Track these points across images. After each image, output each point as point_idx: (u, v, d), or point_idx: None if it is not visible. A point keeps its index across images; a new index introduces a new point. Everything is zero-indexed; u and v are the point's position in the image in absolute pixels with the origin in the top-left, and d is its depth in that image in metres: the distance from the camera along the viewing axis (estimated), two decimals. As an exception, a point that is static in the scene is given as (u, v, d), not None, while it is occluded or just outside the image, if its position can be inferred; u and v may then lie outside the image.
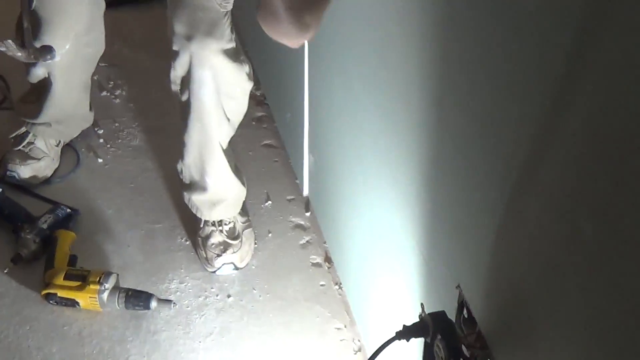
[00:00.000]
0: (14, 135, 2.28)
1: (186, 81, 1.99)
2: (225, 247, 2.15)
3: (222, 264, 2.15)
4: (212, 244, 2.15)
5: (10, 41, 1.94)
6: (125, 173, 2.33)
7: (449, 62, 1.17)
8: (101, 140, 2.42)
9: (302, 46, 1.76)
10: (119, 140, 2.43)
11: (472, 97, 1.09)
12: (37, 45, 2.01)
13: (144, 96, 2.55)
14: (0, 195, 2.13)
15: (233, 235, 2.19)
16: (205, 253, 2.15)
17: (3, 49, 1.95)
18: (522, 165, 0.99)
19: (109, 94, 2.56)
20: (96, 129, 2.43)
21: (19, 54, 1.96)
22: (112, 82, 2.59)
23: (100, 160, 2.36)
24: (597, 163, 0.82)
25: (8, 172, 2.24)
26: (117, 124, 2.45)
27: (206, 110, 2.02)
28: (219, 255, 2.15)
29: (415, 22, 1.32)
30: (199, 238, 2.18)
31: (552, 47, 0.86)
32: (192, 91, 1.99)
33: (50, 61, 2.08)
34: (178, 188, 2.22)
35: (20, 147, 2.27)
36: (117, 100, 2.55)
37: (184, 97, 2.02)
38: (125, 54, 2.73)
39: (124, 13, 2.73)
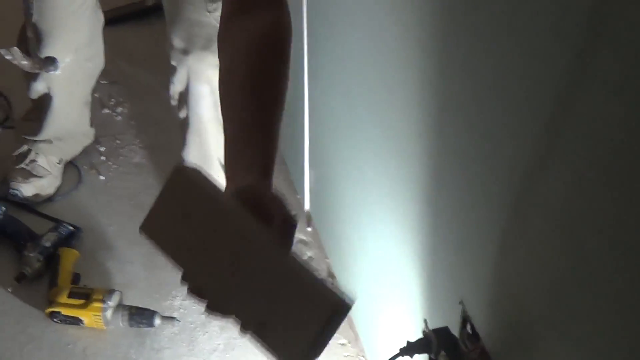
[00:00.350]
0: (16, 153, 2.28)
1: (184, 96, 2.01)
2: None
3: None
4: None
5: (16, 48, 1.94)
6: (126, 190, 2.33)
7: (449, 77, 1.17)
8: (103, 158, 2.42)
9: (302, 62, 1.82)
10: (121, 157, 2.43)
11: (472, 112, 1.09)
12: (40, 57, 2.02)
13: (145, 113, 2.57)
14: (3, 214, 2.13)
15: None
16: None
17: (9, 56, 1.96)
18: (523, 180, 0.98)
19: (110, 111, 2.57)
20: (98, 146, 2.44)
21: (24, 62, 1.95)
22: (113, 100, 2.59)
23: (102, 178, 2.37)
24: (599, 177, 0.81)
25: (11, 190, 2.24)
26: (118, 141, 2.46)
27: (204, 124, 2.03)
28: None
29: (415, 38, 1.32)
30: None
31: (553, 60, 0.86)
32: (190, 106, 2.00)
33: (51, 74, 2.07)
34: None
35: (22, 165, 2.27)
36: (119, 118, 2.56)
37: (183, 113, 2.04)
38: (126, 70, 2.72)
39: (124, 30, 2.73)
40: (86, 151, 2.41)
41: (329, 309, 0.86)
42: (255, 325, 0.90)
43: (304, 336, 0.85)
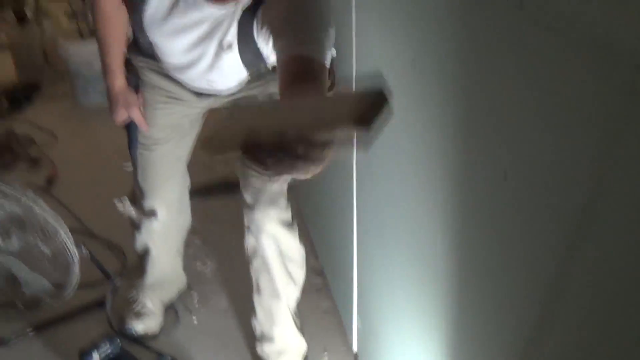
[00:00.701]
0: (129, 296, 2.43)
1: (255, 249, 2.11)
2: None
3: None
4: None
5: (126, 197, 2.16)
6: (214, 330, 2.43)
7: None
8: (196, 304, 2.56)
9: (352, 228, 2.01)
10: (210, 303, 2.56)
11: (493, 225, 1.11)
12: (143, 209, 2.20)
13: (230, 267, 2.68)
14: (120, 348, 2.19)
15: None
16: None
17: (120, 205, 2.14)
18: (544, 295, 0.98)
19: (202, 265, 2.72)
20: (192, 292, 2.59)
21: (131, 211, 2.15)
22: (204, 256, 2.75)
23: (194, 318, 2.50)
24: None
25: (127, 327, 2.37)
26: (207, 292, 2.60)
27: (274, 273, 2.12)
28: None
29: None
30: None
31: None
32: (262, 257, 2.10)
33: (151, 227, 2.22)
34: (254, 344, 2.32)
35: (135, 307, 2.41)
36: (208, 270, 2.71)
37: (256, 263, 2.14)
38: (215, 232, 2.89)
39: (213, 200, 2.88)
40: (182, 297, 2.55)
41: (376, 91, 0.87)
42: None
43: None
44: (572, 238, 0.86)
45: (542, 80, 0.89)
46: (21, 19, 4.31)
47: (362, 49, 1.72)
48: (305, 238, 2.57)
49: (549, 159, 0.90)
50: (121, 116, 2.06)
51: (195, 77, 1.87)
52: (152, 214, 2.21)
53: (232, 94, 1.95)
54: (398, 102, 0.93)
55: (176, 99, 2.02)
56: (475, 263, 1.22)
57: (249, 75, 1.84)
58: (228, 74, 1.82)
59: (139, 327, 2.41)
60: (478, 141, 1.13)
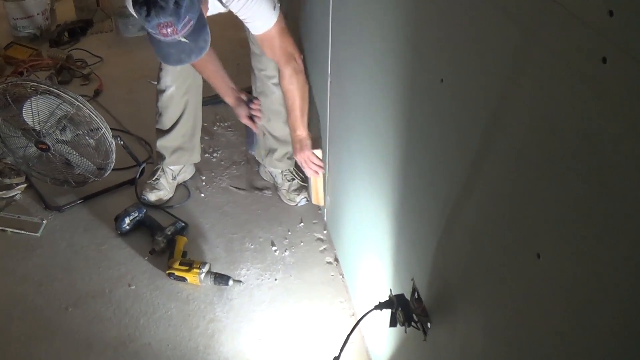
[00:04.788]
0: (152, 175, 2.46)
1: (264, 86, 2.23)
2: (301, 189, 2.44)
3: (302, 199, 2.43)
4: (294, 189, 2.42)
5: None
6: (217, 203, 2.47)
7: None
8: (203, 183, 2.57)
9: (325, 123, 1.98)
10: (214, 183, 2.57)
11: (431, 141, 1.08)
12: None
13: (229, 158, 2.69)
14: (145, 213, 2.31)
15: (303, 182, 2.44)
16: (289, 196, 2.43)
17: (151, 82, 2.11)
18: (453, 205, 0.99)
19: (209, 155, 2.71)
20: (201, 177, 2.59)
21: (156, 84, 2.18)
22: (211, 148, 2.74)
23: (202, 195, 2.52)
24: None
25: (142, 197, 2.44)
26: (212, 174, 2.61)
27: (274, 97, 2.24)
28: (298, 194, 2.42)
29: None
30: (284, 190, 2.43)
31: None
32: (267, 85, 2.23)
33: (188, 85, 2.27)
34: (251, 214, 2.38)
35: (150, 181, 2.46)
36: (214, 159, 2.70)
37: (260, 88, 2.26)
38: (219, 131, 2.85)
39: (221, 107, 2.77)
40: (193, 179, 2.56)
41: None
42: None
43: None
44: (486, 130, 0.87)
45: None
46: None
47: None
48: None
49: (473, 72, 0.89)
50: (242, 119, 2.23)
51: None
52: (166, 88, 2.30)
53: None
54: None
55: None
56: (415, 147, 1.19)
57: None
58: None
59: (151, 196, 2.45)
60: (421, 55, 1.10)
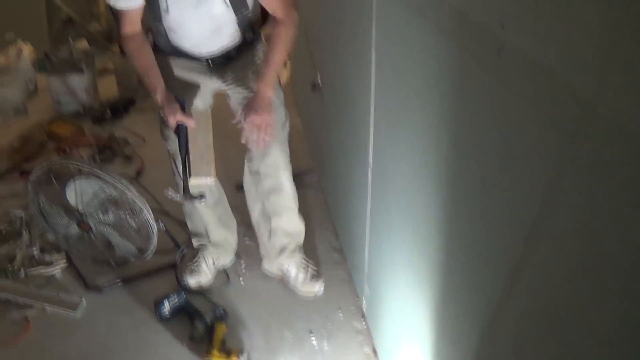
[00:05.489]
0: (192, 258, 2.47)
1: (270, 184, 2.20)
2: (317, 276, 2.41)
3: (320, 286, 2.38)
4: (310, 279, 2.39)
5: (170, 188, 2.09)
6: (256, 290, 2.47)
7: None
8: (243, 269, 2.59)
9: (365, 215, 2.00)
10: (253, 269, 2.57)
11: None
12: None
13: None
14: (184, 299, 2.32)
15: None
16: (306, 287, 2.38)
17: (167, 194, 2.06)
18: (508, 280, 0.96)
19: (249, 242, 2.69)
20: (240, 262, 2.60)
21: (176, 196, 2.06)
22: (251, 234, 2.65)
23: (241, 281, 2.53)
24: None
25: (183, 280, 2.44)
26: (252, 260, 2.60)
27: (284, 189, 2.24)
28: (316, 282, 2.38)
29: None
30: (299, 282, 2.38)
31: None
32: (274, 185, 2.21)
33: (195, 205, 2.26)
34: (289, 301, 2.37)
35: (190, 265, 2.47)
36: (254, 245, 2.63)
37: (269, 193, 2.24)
38: None
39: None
40: (233, 264, 2.56)
41: None
42: None
43: None
44: (528, 236, 0.87)
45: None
46: (123, 51, 4.39)
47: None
48: (328, 221, 2.61)
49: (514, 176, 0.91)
50: (171, 121, 1.97)
51: (200, 41, 2.01)
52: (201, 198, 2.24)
53: (228, 64, 2.09)
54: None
55: (190, 70, 2.12)
56: (458, 248, 1.20)
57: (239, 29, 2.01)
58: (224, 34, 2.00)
59: (191, 281, 2.45)
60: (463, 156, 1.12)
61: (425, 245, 1.40)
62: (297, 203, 2.33)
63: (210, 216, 2.37)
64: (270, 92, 1.98)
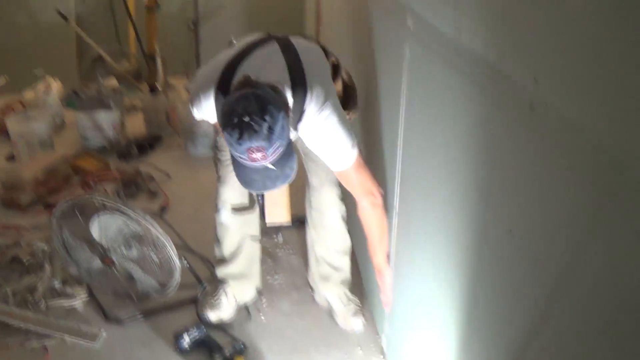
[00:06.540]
0: (213, 293, 2.46)
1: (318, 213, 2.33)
2: (358, 313, 2.44)
3: (359, 324, 2.42)
4: (351, 314, 2.42)
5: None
6: (277, 326, 2.47)
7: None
8: (264, 305, 2.58)
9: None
10: (274, 306, 2.58)
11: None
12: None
13: (292, 282, 2.71)
14: (205, 332, 2.30)
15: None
16: (347, 321, 2.42)
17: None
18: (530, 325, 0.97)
19: (271, 278, 2.74)
20: (262, 298, 2.61)
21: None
22: (273, 271, 2.77)
23: (262, 317, 2.53)
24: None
25: (203, 315, 2.43)
26: (273, 297, 2.63)
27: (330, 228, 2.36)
28: (356, 319, 2.42)
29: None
30: (341, 315, 2.43)
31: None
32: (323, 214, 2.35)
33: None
34: (310, 338, 2.38)
35: (211, 299, 2.46)
36: (276, 282, 2.72)
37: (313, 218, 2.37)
38: (282, 256, 2.89)
39: (285, 231, 2.91)
40: (255, 301, 2.57)
41: None
42: None
43: None
44: (555, 288, 0.88)
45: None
46: (152, 90, 4.54)
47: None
48: (353, 263, 2.61)
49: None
50: None
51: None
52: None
53: None
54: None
55: None
56: (481, 293, 1.20)
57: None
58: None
59: (212, 316, 2.46)
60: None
61: (447, 289, 1.40)
62: (347, 243, 2.41)
63: (244, 246, 2.42)
64: (379, 260, 2.09)
